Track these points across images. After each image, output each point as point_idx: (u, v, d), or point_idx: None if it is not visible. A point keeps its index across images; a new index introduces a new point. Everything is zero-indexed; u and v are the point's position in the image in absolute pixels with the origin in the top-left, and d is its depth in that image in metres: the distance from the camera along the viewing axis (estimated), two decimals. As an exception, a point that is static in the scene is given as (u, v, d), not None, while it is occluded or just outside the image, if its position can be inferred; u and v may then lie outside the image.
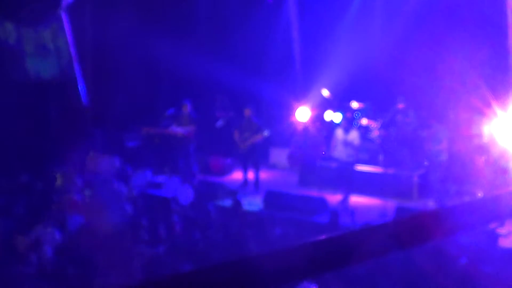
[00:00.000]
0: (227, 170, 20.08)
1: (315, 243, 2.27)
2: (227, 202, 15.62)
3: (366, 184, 17.22)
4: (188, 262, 10.13)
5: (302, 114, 18.99)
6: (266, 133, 17.91)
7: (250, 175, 18.32)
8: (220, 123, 19.27)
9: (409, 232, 2.25)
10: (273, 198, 16.22)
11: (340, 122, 17.81)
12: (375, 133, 18.54)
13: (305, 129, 19.50)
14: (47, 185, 15.27)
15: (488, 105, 15.69)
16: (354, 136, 16.81)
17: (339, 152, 16.87)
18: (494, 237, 11.88)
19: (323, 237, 2.30)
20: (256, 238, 11.75)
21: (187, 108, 18.40)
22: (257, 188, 17.82)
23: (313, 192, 16.81)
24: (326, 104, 19.40)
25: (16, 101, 18.01)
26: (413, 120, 18.02)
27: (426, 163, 16.65)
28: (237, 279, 2.20)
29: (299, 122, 19.33)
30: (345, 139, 16.74)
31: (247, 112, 18.05)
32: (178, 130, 18.33)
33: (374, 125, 18.72)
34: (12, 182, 15.67)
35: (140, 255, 10.10)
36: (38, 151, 17.41)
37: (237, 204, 14.78)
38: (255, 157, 18.10)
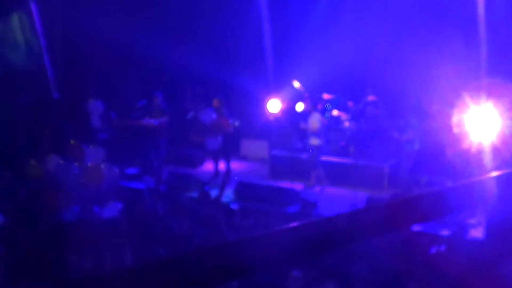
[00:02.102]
0: (198, 162, 20.05)
1: (286, 230, 2.26)
2: (197, 194, 15.58)
3: (336, 175, 17.31)
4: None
5: (273, 106, 18.96)
6: (236, 123, 17.90)
7: (221, 166, 18.30)
8: (191, 115, 19.19)
9: (381, 219, 2.24)
10: (243, 189, 16.24)
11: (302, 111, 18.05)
12: (345, 125, 18.60)
13: (276, 120, 19.47)
14: (15, 175, 15.16)
15: (460, 97, 15.78)
16: (313, 120, 17.06)
17: (307, 140, 17.23)
18: (464, 227, 11.98)
19: (294, 224, 2.30)
20: (227, 228, 11.75)
21: (157, 99, 18.35)
22: (228, 179, 17.80)
23: (284, 183, 16.85)
24: (298, 96, 19.40)
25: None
26: (383, 111, 18.11)
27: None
28: (218, 265, 2.19)
29: (270, 113, 19.25)
30: (306, 126, 17.09)
31: (216, 102, 18.03)
32: (149, 121, 18.27)
33: (344, 116, 18.78)
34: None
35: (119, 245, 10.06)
36: (7, 142, 17.26)
37: (205, 194, 14.74)
38: (225, 148, 18.07)
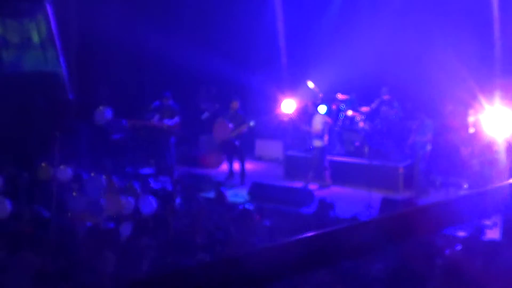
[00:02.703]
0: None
1: (305, 239, 2.26)
2: (212, 194, 15.55)
3: (352, 176, 17.30)
4: (179, 254, 10.09)
5: (288, 106, 18.93)
6: (252, 123, 17.91)
7: (236, 166, 18.32)
8: (206, 115, 19.23)
9: (398, 228, 2.24)
10: (258, 189, 16.25)
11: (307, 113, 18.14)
12: (360, 125, 18.58)
13: (291, 121, 19.45)
14: (32, 177, 15.17)
15: (474, 97, 15.75)
16: (315, 122, 17.11)
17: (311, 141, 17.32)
18: (480, 228, 11.94)
19: (312, 233, 2.30)
20: (242, 229, 11.73)
21: (167, 100, 18.42)
22: (243, 180, 17.82)
23: (299, 184, 16.85)
24: (312, 96, 19.38)
25: (0, 94, 17.94)
26: (398, 111, 18.07)
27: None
28: (230, 277, 2.19)
29: (285, 114, 19.21)
30: (309, 128, 17.16)
31: (235, 104, 18.06)
32: (162, 122, 18.34)
33: (359, 116, 18.75)
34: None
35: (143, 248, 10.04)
36: (22, 144, 17.33)
37: (221, 195, 14.73)
38: (240, 149, 18.08)
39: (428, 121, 16.20)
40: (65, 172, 13.84)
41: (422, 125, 16.16)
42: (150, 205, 12.80)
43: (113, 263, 8.88)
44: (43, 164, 14.07)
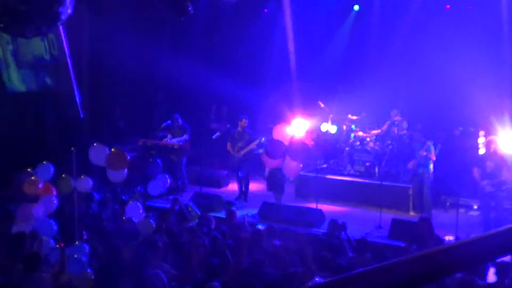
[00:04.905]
0: (223, 182, 20.04)
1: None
2: (223, 214, 15.50)
3: (362, 196, 17.28)
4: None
5: (298, 125, 18.89)
6: (263, 139, 17.97)
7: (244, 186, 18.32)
8: (217, 135, 19.26)
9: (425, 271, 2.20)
10: (269, 210, 16.20)
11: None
12: (370, 145, 18.55)
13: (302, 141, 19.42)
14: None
15: (486, 118, 15.76)
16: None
17: None
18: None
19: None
20: (252, 249, 11.67)
21: (177, 121, 18.55)
22: (245, 198, 17.88)
23: (310, 204, 16.79)
24: (323, 116, 19.41)
25: (12, 112, 18.03)
26: (409, 132, 18.02)
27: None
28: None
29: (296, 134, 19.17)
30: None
31: (243, 123, 18.08)
32: (173, 141, 18.41)
33: (369, 137, 18.72)
34: (7, 192, 15.69)
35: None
36: (33, 162, 17.39)
37: (231, 214, 14.68)
38: (246, 168, 18.05)
39: (429, 143, 16.15)
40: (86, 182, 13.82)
41: (423, 145, 16.10)
42: (138, 212, 12.95)
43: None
44: (63, 176, 14.02)
